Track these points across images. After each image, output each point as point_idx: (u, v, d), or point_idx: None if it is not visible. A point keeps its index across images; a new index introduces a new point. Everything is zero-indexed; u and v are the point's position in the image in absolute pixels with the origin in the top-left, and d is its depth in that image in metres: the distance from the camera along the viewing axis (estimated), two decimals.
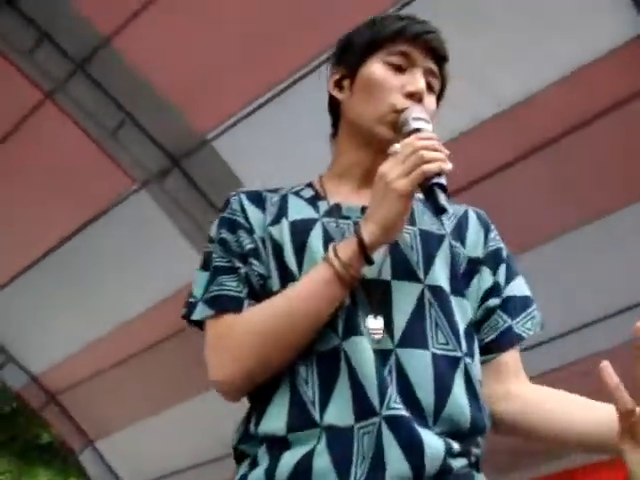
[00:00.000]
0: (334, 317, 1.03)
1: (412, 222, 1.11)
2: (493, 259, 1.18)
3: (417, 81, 1.12)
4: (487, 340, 1.14)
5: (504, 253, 1.19)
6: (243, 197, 1.17)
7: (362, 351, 1.01)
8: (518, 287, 1.18)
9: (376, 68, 1.14)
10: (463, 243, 1.16)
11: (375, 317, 1.04)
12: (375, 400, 0.98)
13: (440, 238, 1.13)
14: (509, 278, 1.18)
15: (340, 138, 1.22)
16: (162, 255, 3.47)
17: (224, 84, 2.92)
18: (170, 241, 3.38)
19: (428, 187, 0.97)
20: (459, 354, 1.06)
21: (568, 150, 2.74)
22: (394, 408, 0.97)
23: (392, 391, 0.98)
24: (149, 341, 3.87)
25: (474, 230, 1.19)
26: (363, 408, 0.98)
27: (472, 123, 2.79)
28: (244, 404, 1.12)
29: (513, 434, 1.14)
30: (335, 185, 1.18)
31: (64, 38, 3.03)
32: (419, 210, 1.14)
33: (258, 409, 1.07)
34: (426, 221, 1.14)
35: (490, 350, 1.14)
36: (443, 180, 0.97)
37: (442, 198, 0.97)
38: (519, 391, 1.13)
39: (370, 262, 1.01)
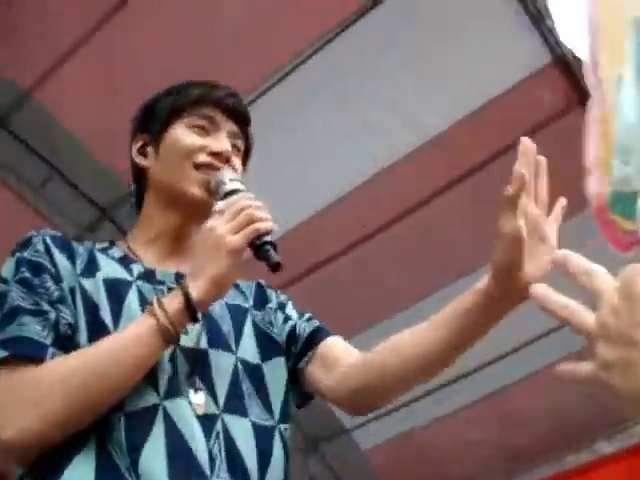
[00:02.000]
0: (155, 378, 1.00)
1: None
2: (283, 308, 1.23)
3: (221, 142, 1.15)
4: (301, 347, 1.18)
5: (288, 301, 1.25)
6: (49, 240, 1.08)
7: (186, 412, 1.00)
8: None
9: (181, 132, 1.16)
10: (264, 309, 1.21)
11: (196, 392, 1.03)
12: (206, 467, 0.97)
13: (245, 311, 1.18)
14: (296, 312, 1.24)
15: (147, 204, 1.21)
16: None
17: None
18: None
19: (261, 244, 1.00)
20: (273, 423, 1.09)
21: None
22: (222, 477, 0.98)
23: (221, 459, 0.99)
24: None
25: (266, 296, 1.24)
26: (192, 471, 0.97)
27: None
28: None
29: (380, 394, 1.14)
30: (144, 250, 1.16)
31: None
32: None
33: (49, 474, 0.96)
34: (231, 295, 1.15)
35: (308, 350, 1.17)
36: (270, 238, 1.01)
37: (275, 254, 1.00)
38: (355, 358, 1.14)
39: (196, 320, 0.99)
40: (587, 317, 0.53)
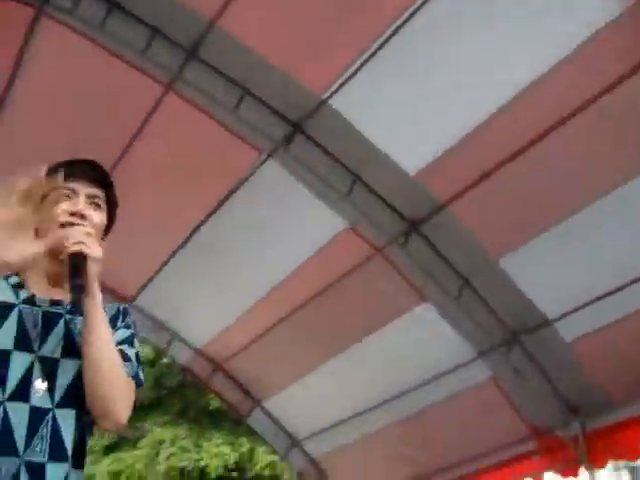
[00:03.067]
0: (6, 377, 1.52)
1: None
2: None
3: (76, 206, 1.61)
4: None
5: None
6: None
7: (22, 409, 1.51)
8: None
9: (51, 194, 1.56)
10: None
11: (42, 381, 1.54)
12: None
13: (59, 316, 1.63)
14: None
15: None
16: (299, 217, 3.59)
17: (329, 43, 2.95)
18: (303, 202, 3.48)
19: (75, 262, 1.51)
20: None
21: None
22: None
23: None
24: (298, 302, 4.02)
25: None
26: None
27: None
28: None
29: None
30: (31, 278, 1.64)
31: (172, 30, 3.14)
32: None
33: None
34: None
35: None
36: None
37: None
38: None
39: None
40: None
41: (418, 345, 3.96)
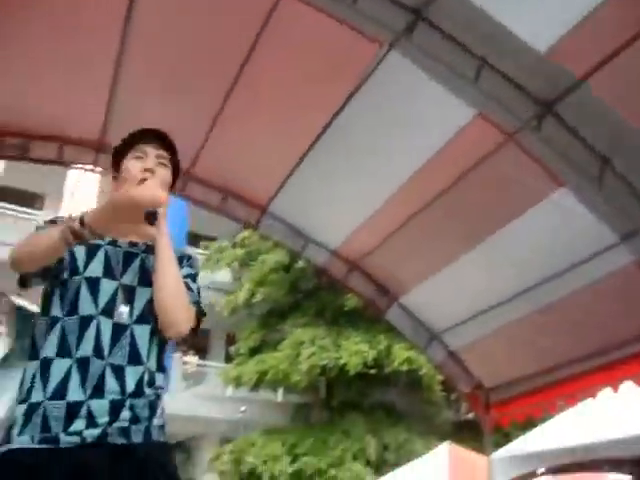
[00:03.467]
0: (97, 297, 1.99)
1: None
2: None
3: (147, 163, 2.12)
4: None
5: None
6: None
7: (108, 324, 1.96)
8: None
9: (127, 160, 2.15)
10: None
11: (125, 305, 2.00)
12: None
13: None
14: None
15: None
16: (425, 108, 3.51)
17: None
18: (429, 92, 3.39)
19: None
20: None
21: None
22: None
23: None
24: (430, 195, 4.00)
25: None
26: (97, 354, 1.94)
27: None
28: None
29: None
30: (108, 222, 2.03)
31: None
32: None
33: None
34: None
35: None
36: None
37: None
38: None
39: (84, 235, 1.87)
40: None
41: (556, 232, 3.85)
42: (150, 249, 2.07)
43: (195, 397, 19.92)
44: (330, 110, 3.71)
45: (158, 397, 2.01)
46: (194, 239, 22.13)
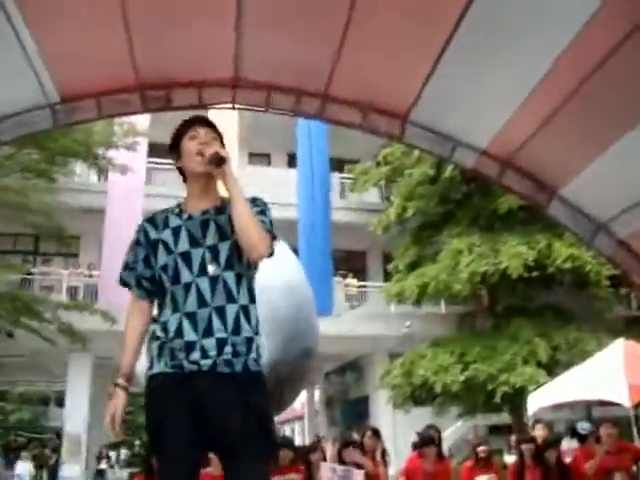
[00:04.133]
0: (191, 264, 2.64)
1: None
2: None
3: (201, 139, 2.76)
4: None
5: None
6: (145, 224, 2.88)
7: (205, 279, 2.63)
8: None
9: (185, 142, 2.79)
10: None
11: (213, 261, 2.64)
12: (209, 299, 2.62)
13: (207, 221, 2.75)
14: None
15: (187, 181, 2.88)
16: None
17: None
18: None
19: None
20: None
21: None
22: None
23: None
24: (575, 83, 3.73)
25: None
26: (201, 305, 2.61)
27: None
28: None
29: None
30: (188, 202, 2.81)
31: None
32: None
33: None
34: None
35: None
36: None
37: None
38: None
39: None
40: None
41: None
42: (218, 210, 2.73)
43: (360, 317, 20.51)
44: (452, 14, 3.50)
45: (255, 335, 2.65)
46: (338, 164, 22.37)
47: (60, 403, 28.22)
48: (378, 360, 21.24)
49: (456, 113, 4.45)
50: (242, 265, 2.65)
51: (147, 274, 2.71)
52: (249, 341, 2.59)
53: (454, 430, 19.90)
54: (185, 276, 2.61)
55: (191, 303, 2.57)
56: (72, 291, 19.87)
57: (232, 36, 3.86)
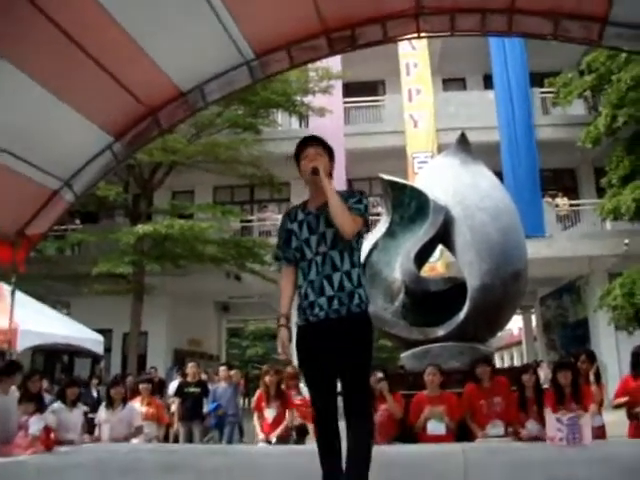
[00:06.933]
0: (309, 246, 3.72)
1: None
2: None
3: (309, 157, 3.74)
4: None
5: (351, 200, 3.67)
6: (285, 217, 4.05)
7: (319, 256, 3.69)
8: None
9: (301, 160, 3.79)
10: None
11: (323, 243, 3.67)
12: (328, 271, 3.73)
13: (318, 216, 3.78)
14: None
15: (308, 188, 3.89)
16: None
17: None
18: None
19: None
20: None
21: None
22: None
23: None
24: None
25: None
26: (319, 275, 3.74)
27: None
28: None
29: None
30: (309, 201, 3.82)
31: None
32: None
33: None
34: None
35: None
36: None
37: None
38: None
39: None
40: None
41: None
42: (322, 207, 3.62)
43: (573, 237, 19.60)
44: None
45: (355, 288, 3.58)
46: (537, 79, 21.15)
47: None
48: (596, 281, 20.20)
49: None
50: (344, 243, 3.59)
51: (289, 252, 3.78)
52: (350, 294, 3.56)
53: None
54: (308, 255, 3.66)
55: (312, 274, 3.63)
56: None
57: None
